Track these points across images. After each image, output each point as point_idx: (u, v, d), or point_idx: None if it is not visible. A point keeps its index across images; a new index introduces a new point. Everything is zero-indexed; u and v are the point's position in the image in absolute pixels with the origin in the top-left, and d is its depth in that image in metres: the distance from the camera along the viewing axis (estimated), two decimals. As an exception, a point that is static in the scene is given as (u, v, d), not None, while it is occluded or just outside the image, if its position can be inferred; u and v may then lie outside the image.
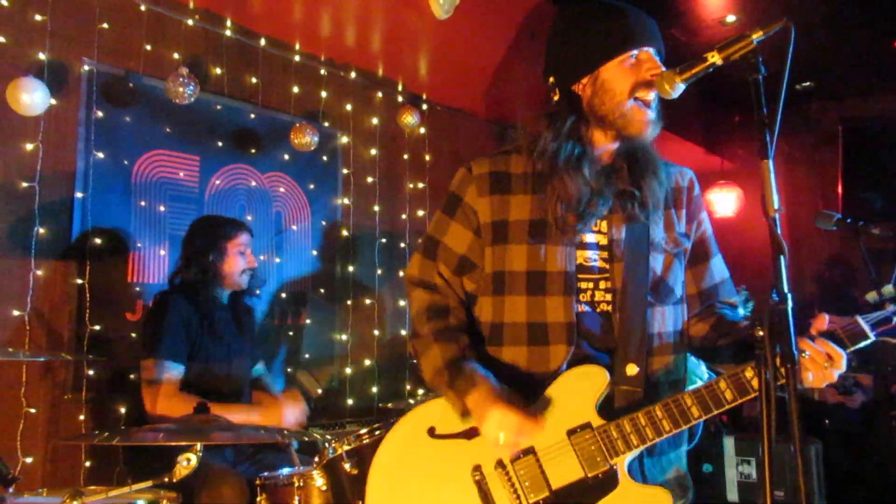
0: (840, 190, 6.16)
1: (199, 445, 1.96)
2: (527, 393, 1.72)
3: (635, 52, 1.72)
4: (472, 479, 1.69)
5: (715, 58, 1.52)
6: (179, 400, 2.82)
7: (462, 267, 1.85)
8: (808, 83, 6.08)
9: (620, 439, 1.65)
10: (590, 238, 1.78)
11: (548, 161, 1.76)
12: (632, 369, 1.71)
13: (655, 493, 1.66)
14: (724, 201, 6.41)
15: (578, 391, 1.70)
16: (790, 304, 1.34)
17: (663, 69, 1.70)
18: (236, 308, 3.31)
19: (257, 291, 3.48)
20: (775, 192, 1.40)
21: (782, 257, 1.36)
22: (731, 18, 4.95)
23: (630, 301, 1.74)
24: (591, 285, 1.77)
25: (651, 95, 1.71)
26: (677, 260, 1.84)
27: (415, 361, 1.96)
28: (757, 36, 1.47)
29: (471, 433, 1.72)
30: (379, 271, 4.81)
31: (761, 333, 1.35)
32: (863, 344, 1.65)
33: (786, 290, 1.35)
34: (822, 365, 1.58)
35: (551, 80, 1.83)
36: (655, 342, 1.77)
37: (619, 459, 1.65)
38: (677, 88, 1.64)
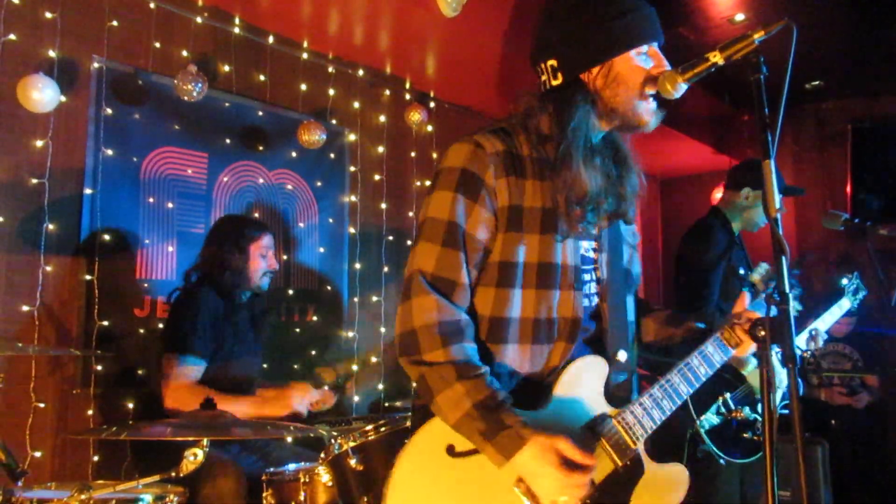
0: (848, 190, 6.13)
1: (205, 440, 1.97)
2: (527, 391, 1.65)
3: (646, 46, 1.71)
4: (519, 491, 1.52)
5: (716, 57, 1.53)
6: (200, 397, 2.84)
7: (483, 260, 1.65)
8: (817, 82, 6.05)
9: (637, 424, 1.67)
10: (589, 228, 1.74)
11: (562, 151, 1.65)
12: (621, 356, 1.74)
13: (676, 471, 1.74)
14: (732, 201, 6.38)
15: (586, 384, 1.69)
16: (791, 304, 1.35)
17: (668, 67, 1.70)
18: (253, 309, 3.34)
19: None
20: (777, 192, 1.40)
21: (784, 257, 1.37)
22: (739, 17, 4.92)
23: (615, 290, 1.77)
24: (588, 276, 1.75)
25: (657, 89, 1.68)
26: (634, 250, 1.90)
27: (415, 385, 1.60)
28: (758, 35, 1.47)
29: None
30: (385, 269, 4.82)
31: (762, 333, 1.37)
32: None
33: (786, 290, 1.36)
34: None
35: (553, 62, 1.71)
36: (632, 328, 1.84)
37: (639, 445, 1.69)
38: (679, 88, 1.65)
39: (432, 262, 1.60)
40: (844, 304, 3.20)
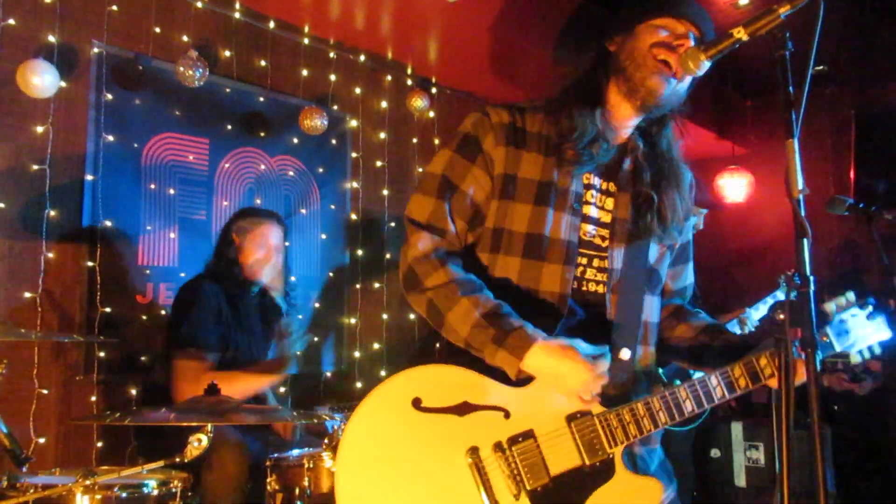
0: (853, 176, 6.11)
1: (209, 426, 1.97)
2: None
3: (671, 20, 1.70)
4: (467, 462, 1.54)
5: (741, 33, 1.47)
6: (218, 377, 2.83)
7: (474, 219, 1.71)
8: (822, 67, 6.01)
9: (620, 428, 1.61)
10: (592, 212, 1.73)
11: (559, 99, 1.74)
12: (625, 353, 1.69)
13: (648, 484, 1.65)
14: (735, 187, 6.34)
15: None
16: (812, 287, 1.30)
17: (691, 43, 1.66)
18: (264, 303, 3.27)
19: (284, 293, 3.34)
20: (800, 172, 1.34)
21: (805, 240, 1.31)
22: (743, 1, 4.89)
23: (629, 285, 1.71)
24: (584, 261, 1.71)
25: (672, 60, 1.66)
26: (668, 252, 1.84)
27: (426, 316, 1.66)
28: (784, 10, 1.41)
29: (463, 409, 1.56)
30: (387, 255, 4.82)
31: (782, 317, 1.32)
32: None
33: (808, 273, 1.31)
34: None
35: (594, 42, 1.79)
36: (645, 330, 1.76)
37: (617, 449, 1.61)
38: (702, 66, 1.60)
39: (425, 212, 1.69)
40: (779, 296, 3.72)
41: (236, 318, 3.10)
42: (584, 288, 1.71)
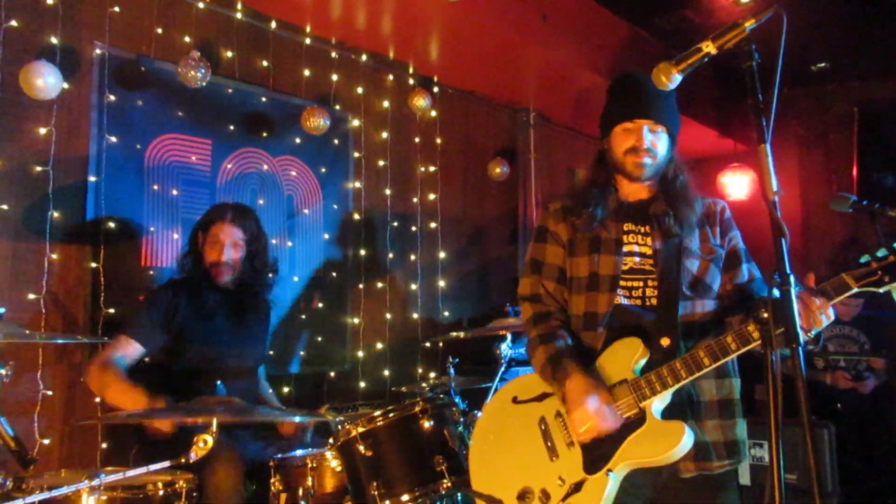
0: (855, 173, 6.10)
1: (214, 426, 1.97)
2: (584, 357, 2.21)
3: (630, 124, 2.23)
4: (539, 427, 2.22)
5: (709, 47, 1.59)
6: (106, 376, 2.86)
7: (562, 277, 2.33)
8: (823, 64, 6.00)
9: (647, 387, 2.06)
10: (635, 248, 2.25)
11: (583, 190, 2.38)
12: (665, 341, 2.12)
13: (672, 426, 2.04)
14: (737, 184, 6.35)
15: (620, 357, 2.16)
16: (793, 285, 1.36)
17: (646, 138, 2.19)
18: (242, 297, 3.20)
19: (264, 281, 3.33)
20: (774, 175, 1.45)
21: (783, 240, 1.41)
22: (745, -1, 4.89)
23: (665, 293, 2.19)
24: (640, 283, 2.23)
25: (640, 156, 2.21)
26: (713, 264, 2.26)
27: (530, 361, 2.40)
28: (749, 24, 1.52)
29: (542, 397, 2.27)
30: (390, 255, 4.82)
31: (765, 315, 1.38)
32: (848, 293, 1.94)
33: (788, 271, 1.40)
34: (811, 310, 1.89)
35: None
36: (687, 325, 2.17)
37: (647, 403, 2.06)
38: (674, 79, 1.71)
39: (527, 287, 2.39)
40: None
41: (197, 318, 3.06)
42: (648, 303, 2.21)
